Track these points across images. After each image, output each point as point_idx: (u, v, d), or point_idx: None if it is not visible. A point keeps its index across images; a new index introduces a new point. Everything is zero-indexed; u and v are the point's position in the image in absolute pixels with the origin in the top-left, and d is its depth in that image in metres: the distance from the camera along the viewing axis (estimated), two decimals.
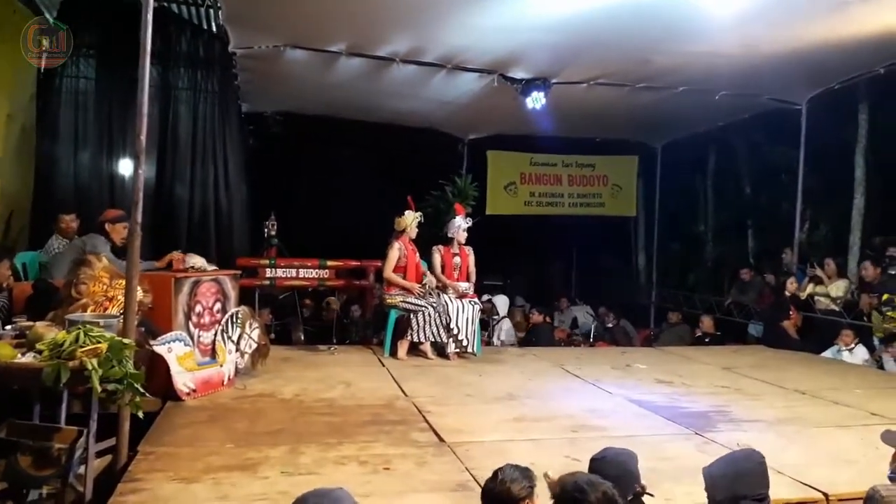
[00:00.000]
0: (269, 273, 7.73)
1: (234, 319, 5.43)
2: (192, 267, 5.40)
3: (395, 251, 6.76)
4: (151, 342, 4.52)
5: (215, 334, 5.27)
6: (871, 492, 2.63)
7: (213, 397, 4.91)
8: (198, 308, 5.18)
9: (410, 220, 6.87)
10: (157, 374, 4.48)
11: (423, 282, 6.84)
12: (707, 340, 9.03)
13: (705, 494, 2.70)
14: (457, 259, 7.07)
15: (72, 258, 4.88)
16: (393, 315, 6.76)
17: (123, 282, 3.89)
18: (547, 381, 5.97)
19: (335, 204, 10.55)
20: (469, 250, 7.18)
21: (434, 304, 6.64)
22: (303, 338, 8.21)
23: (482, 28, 6.44)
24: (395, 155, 10.70)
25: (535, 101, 7.82)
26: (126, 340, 3.49)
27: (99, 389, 3.27)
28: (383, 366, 6.35)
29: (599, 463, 2.69)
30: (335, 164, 10.92)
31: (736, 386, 5.92)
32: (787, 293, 8.34)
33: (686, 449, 4.09)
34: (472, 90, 8.23)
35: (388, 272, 6.76)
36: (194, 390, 4.81)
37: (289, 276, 7.82)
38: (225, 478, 3.38)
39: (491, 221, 10.44)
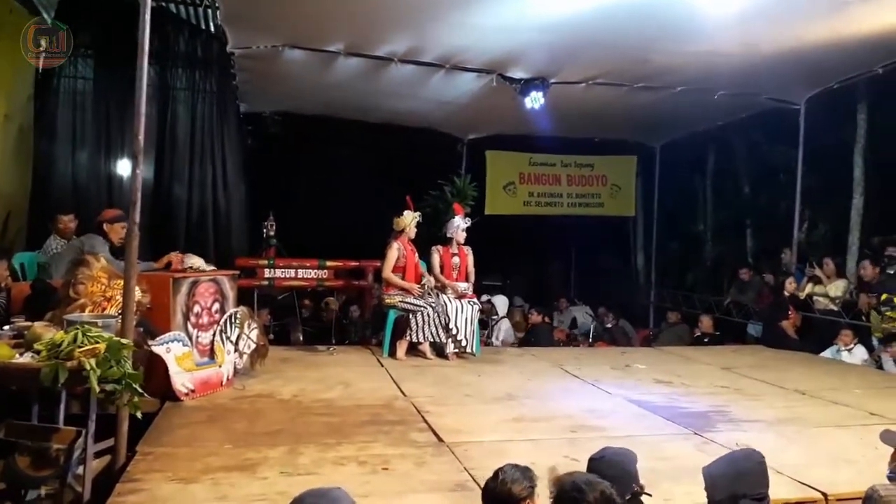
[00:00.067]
0: (267, 273, 7.72)
1: (233, 320, 5.42)
2: (191, 267, 5.39)
3: (394, 251, 6.76)
4: (150, 342, 4.51)
5: (214, 335, 5.26)
6: (870, 491, 2.63)
7: (211, 398, 4.90)
8: (196, 308, 5.17)
9: (409, 220, 6.87)
10: (155, 374, 4.47)
11: (422, 282, 6.83)
12: (706, 340, 9.03)
13: (705, 494, 2.70)
14: (456, 259, 7.07)
15: (70, 258, 4.87)
16: (392, 315, 6.75)
17: (122, 282, 3.89)
18: (546, 382, 5.97)
19: (334, 204, 10.55)
20: (468, 250, 7.18)
21: (433, 305, 6.63)
22: (301, 338, 8.20)
23: (480, 28, 6.44)
24: (394, 155, 10.70)
25: (534, 100, 7.82)
26: (124, 341, 3.49)
27: (97, 390, 3.27)
28: (382, 366, 6.34)
29: (598, 463, 2.68)
30: (334, 165, 10.92)
31: (735, 386, 5.92)
32: (786, 293, 8.34)
33: (685, 449, 4.08)
34: (471, 90, 8.23)
35: (387, 272, 6.76)
36: (193, 391, 4.81)
37: (287, 276, 7.81)
38: (223, 478, 3.37)
39: (490, 221, 10.44)
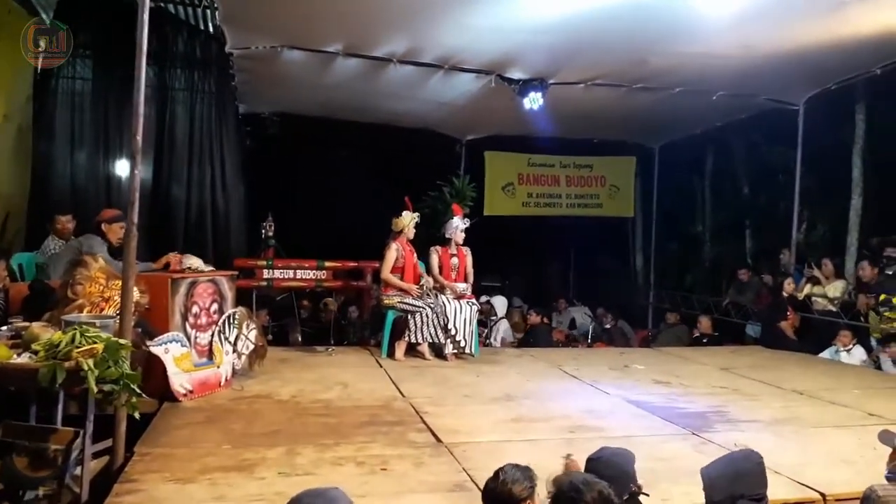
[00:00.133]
0: (266, 274, 7.72)
1: (231, 320, 5.42)
2: (189, 268, 5.39)
3: (393, 252, 6.76)
4: (148, 343, 4.51)
5: (212, 335, 5.25)
6: (868, 491, 2.63)
7: (209, 398, 4.90)
8: (194, 309, 5.17)
9: (408, 220, 6.87)
10: (153, 375, 4.46)
11: (421, 283, 6.83)
12: (705, 341, 9.03)
13: (703, 495, 2.70)
14: (454, 260, 7.07)
15: (68, 259, 4.87)
16: (390, 316, 6.75)
17: (120, 282, 3.88)
18: (544, 382, 5.97)
19: (333, 205, 10.56)
20: (467, 251, 7.18)
21: (432, 305, 6.63)
22: (300, 339, 8.21)
23: (478, 29, 6.44)
24: (393, 156, 10.71)
25: (533, 101, 7.82)
26: (122, 341, 3.48)
27: (95, 390, 3.26)
28: (381, 367, 6.34)
29: (596, 463, 2.69)
30: (333, 165, 10.93)
31: (734, 386, 5.92)
32: (784, 294, 8.35)
33: (683, 449, 4.08)
34: (470, 91, 8.23)
35: (386, 273, 6.76)
36: (191, 391, 4.80)
37: (286, 277, 7.81)
38: (221, 478, 3.37)
39: (489, 222, 10.46)
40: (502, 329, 9.42)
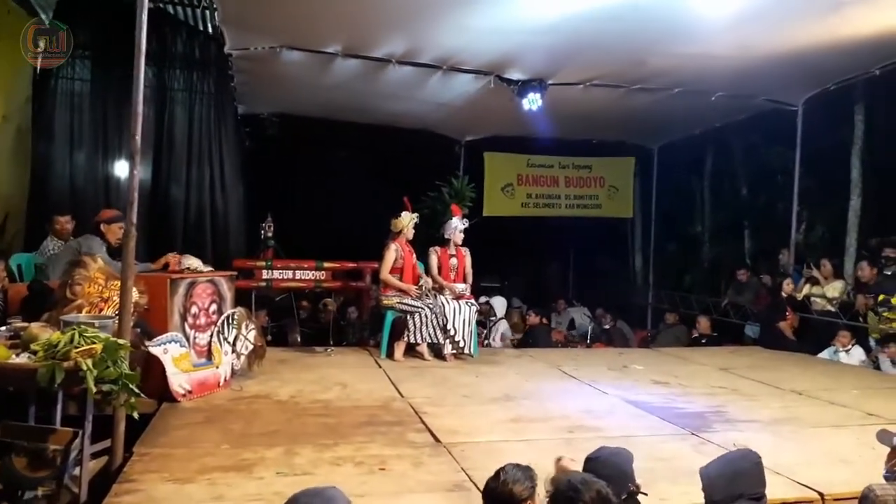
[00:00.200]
0: (265, 275, 7.73)
1: (230, 321, 5.42)
2: (188, 268, 5.39)
3: (392, 252, 6.76)
4: (147, 343, 4.51)
5: (211, 336, 5.26)
6: (867, 491, 2.63)
7: (208, 399, 4.90)
8: (193, 309, 5.17)
9: (407, 221, 6.87)
10: (152, 375, 4.47)
11: (420, 283, 6.83)
12: (704, 341, 9.04)
13: (702, 494, 2.71)
14: (453, 260, 7.07)
15: (67, 259, 4.87)
16: (389, 316, 6.75)
17: (119, 283, 3.88)
18: (543, 382, 5.97)
19: (332, 205, 10.57)
20: (466, 251, 7.19)
21: (431, 306, 6.64)
22: (299, 339, 8.20)
23: (477, 29, 6.44)
24: (392, 156, 10.72)
25: (532, 102, 7.82)
26: (121, 341, 3.48)
27: (94, 390, 3.27)
28: (380, 367, 6.34)
29: (594, 462, 2.68)
30: (332, 166, 10.94)
31: (732, 386, 5.92)
32: (783, 294, 8.35)
33: (682, 449, 4.09)
34: (469, 91, 8.23)
35: (385, 274, 6.76)
36: (190, 391, 4.81)
37: (285, 277, 7.82)
38: (220, 478, 3.37)
39: (488, 223, 10.46)
40: (501, 330, 9.42)
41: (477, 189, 9.89)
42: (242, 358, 5.51)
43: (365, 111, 9.50)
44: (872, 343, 7.40)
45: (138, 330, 4.38)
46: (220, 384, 5.16)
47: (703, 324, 9.29)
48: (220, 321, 5.35)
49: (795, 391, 5.75)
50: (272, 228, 8.48)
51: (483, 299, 9.31)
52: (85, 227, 5.88)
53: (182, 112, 9.12)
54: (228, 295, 5.66)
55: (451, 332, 6.67)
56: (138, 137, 3.80)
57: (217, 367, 5.17)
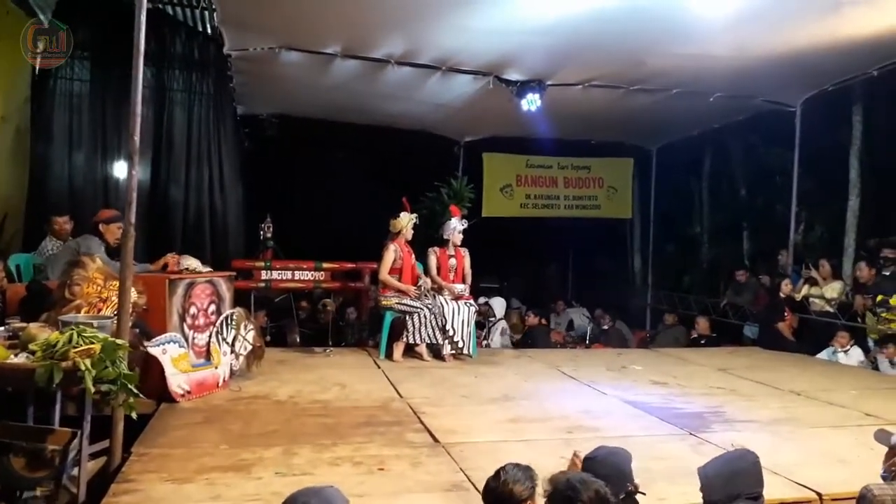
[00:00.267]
0: (264, 275, 7.74)
1: (229, 321, 5.42)
2: (187, 269, 5.39)
3: (391, 253, 6.76)
4: (146, 343, 4.51)
5: (210, 336, 5.26)
6: (864, 491, 2.64)
7: (207, 399, 4.90)
8: (192, 310, 5.17)
9: (406, 221, 6.88)
10: (151, 375, 4.47)
11: (419, 284, 6.84)
12: (702, 342, 9.04)
13: (700, 494, 2.71)
14: (452, 261, 7.07)
15: (66, 260, 4.87)
16: (388, 317, 6.76)
17: (118, 283, 3.88)
18: (542, 383, 5.97)
19: (331, 206, 10.57)
20: (465, 252, 7.19)
21: (430, 306, 6.64)
22: (298, 340, 8.21)
23: (476, 30, 6.45)
24: (391, 157, 10.73)
25: (530, 102, 7.82)
26: (119, 341, 3.48)
27: (92, 390, 3.27)
28: (379, 367, 6.34)
29: (592, 462, 2.69)
30: (331, 167, 10.94)
31: (731, 387, 5.93)
32: (782, 295, 8.35)
33: (681, 449, 4.09)
34: (468, 92, 8.23)
35: (384, 274, 6.76)
36: (189, 392, 4.81)
37: (284, 278, 7.83)
38: (218, 478, 3.37)
39: (487, 223, 10.47)
40: (500, 330, 9.42)
41: (476, 190, 9.91)
42: (241, 358, 5.51)
43: (364, 112, 9.50)
44: (871, 344, 7.40)
45: (137, 330, 4.38)
46: (219, 384, 5.16)
47: (702, 324, 9.30)
48: (218, 322, 5.35)
49: (794, 391, 5.76)
50: (271, 229, 8.50)
51: (482, 300, 9.32)
52: (84, 228, 5.88)
53: (181, 113, 9.10)
54: (227, 295, 5.66)
55: (450, 333, 6.67)
56: (137, 137, 3.81)
57: (216, 368, 5.17)
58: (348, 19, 6.40)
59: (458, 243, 7.15)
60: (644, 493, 2.70)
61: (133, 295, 3.98)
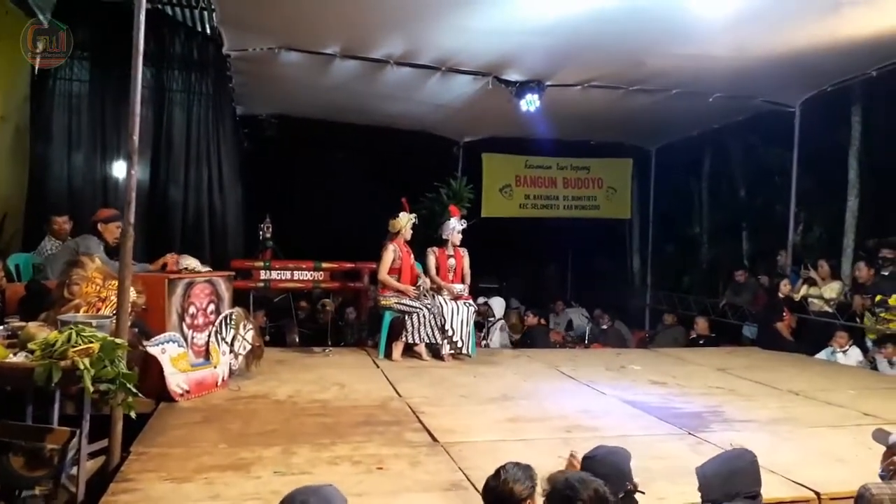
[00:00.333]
0: (263, 275, 7.74)
1: (228, 321, 5.42)
2: (186, 268, 5.39)
3: (390, 253, 6.76)
4: (145, 343, 4.51)
5: (209, 335, 5.26)
6: (862, 490, 2.64)
7: (206, 398, 4.91)
8: (191, 309, 5.17)
9: (405, 221, 6.88)
10: (150, 374, 4.47)
11: (418, 283, 6.84)
12: (701, 342, 9.04)
13: (698, 493, 2.71)
14: (451, 261, 7.08)
15: (65, 259, 4.87)
16: (388, 317, 6.76)
17: (117, 282, 3.88)
18: (541, 383, 5.97)
19: (330, 206, 10.58)
20: (464, 252, 7.20)
21: (429, 306, 6.64)
22: (297, 340, 8.21)
23: (474, 31, 6.45)
24: (390, 157, 10.74)
25: (530, 103, 7.84)
26: (118, 340, 3.48)
27: (91, 389, 3.26)
28: (378, 367, 6.34)
29: (591, 461, 2.70)
30: (330, 167, 10.95)
31: (730, 387, 5.93)
32: (781, 295, 8.36)
33: (679, 449, 4.10)
34: (467, 93, 8.24)
35: (383, 274, 6.76)
36: (188, 391, 4.81)
37: (283, 278, 7.83)
38: (217, 477, 3.37)
39: (486, 224, 10.48)
40: (500, 330, 9.43)
41: (475, 190, 9.93)
42: (240, 358, 5.51)
43: (363, 112, 9.51)
44: (869, 344, 7.41)
45: (136, 330, 4.38)
46: (218, 384, 5.16)
47: (701, 324, 9.30)
48: (217, 321, 5.35)
49: (793, 391, 5.76)
50: (270, 229, 8.50)
51: (482, 300, 9.33)
52: (83, 228, 5.88)
53: (180, 113, 9.10)
54: (226, 295, 5.66)
55: (449, 333, 6.68)
56: (136, 137, 3.81)
57: (215, 367, 5.17)
58: (348, 19, 6.41)
59: (458, 243, 7.16)
60: (643, 493, 2.71)
61: (132, 294, 3.98)
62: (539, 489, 2.41)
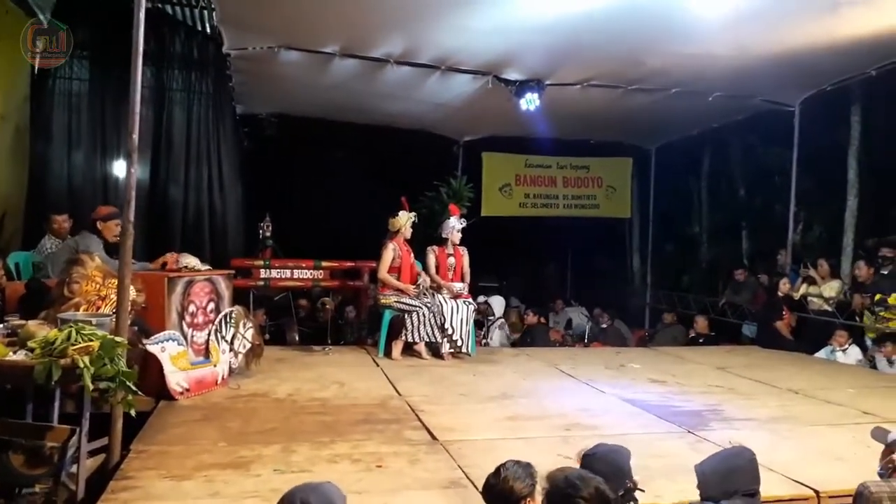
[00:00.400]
0: (263, 274, 7.75)
1: (228, 319, 5.43)
2: (186, 267, 5.39)
3: (390, 252, 6.77)
4: (144, 341, 4.52)
5: (209, 334, 5.26)
6: (861, 488, 2.65)
7: (206, 397, 4.91)
8: (191, 308, 5.18)
9: (404, 220, 6.89)
10: (150, 373, 4.48)
11: (418, 282, 6.85)
12: (701, 341, 9.05)
13: (697, 491, 2.72)
14: (451, 260, 7.08)
15: (65, 258, 4.87)
16: (387, 315, 6.76)
17: (116, 280, 3.89)
18: (541, 381, 5.98)
19: (330, 205, 10.58)
20: (464, 251, 7.20)
21: (429, 305, 6.65)
22: (297, 338, 8.21)
23: (475, 30, 6.46)
24: (390, 157, 10.73)
25: (529, 102, 7.84)
26: (118, 339, 3.48)
27: (91, 387, 3.27)
28: (377, 366, 6.35)
29: (591, 459, 2.70)
30: (330, 166, 10.94)
31: (729, 385, 5.94)
32: (780, 294, 8.37)
33: (679, 447, 4.10)
34: (467, 92, 8.24)
35: (383, 273, 6.77)
36: (188, 389, 4.81)
37: (283, 276, 7.85)
38: (217, 475, 3.38)
39: (486, 223, 10.48)
40: (499, 329, 9.43)
41: (475, 189, 9.93)
42: (240, 356, 5.51)
43: (363, 111, 9.51)
44: (869, 342, 7.42)
45: (136, 328, 4.39)
46: (218, 382, 5.17)
47: (701, 323, 9.31)
48: (217, 320, 5.36)
49: (792, 390, 5.76)
50: (270, 228, 8.50)
51: (481, 299, 9.33)
52: (83, 226, 5.87)
53: (180, 112, 9.11)
54: (226, 293, 5.67)
55: (449, 331, 6.68)
56: (136, 136, 3.81)
57: (215, 366, 5.18)
58: (347, 19, 6.41)
59: (457, 242, 7.16)
60: (643, 490, 2.72)
61: (132, 293, 3.98)
62: (539, 487, 2.42)
